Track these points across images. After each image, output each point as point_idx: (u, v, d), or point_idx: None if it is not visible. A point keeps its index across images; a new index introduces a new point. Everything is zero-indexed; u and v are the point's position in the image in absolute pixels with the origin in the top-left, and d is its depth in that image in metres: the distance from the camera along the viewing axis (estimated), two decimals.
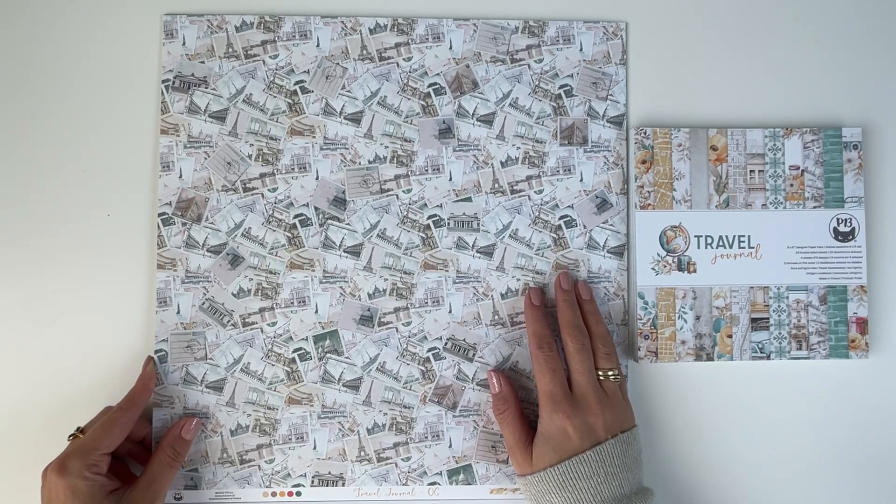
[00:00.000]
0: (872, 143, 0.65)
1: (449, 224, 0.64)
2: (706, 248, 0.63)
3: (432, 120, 0.64)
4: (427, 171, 0.64)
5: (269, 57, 0.64)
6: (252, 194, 0.63)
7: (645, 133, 0.63)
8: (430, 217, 0.64)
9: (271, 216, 0.63)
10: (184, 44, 0.64)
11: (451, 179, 0.64)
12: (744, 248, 0.63)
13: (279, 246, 0.63)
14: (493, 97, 0.64)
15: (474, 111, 0.64)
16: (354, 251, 0.63)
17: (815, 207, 0.63)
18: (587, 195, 0.64)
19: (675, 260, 0.63)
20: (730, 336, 0.63)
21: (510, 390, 0.61)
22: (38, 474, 0.56)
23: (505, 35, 0.64)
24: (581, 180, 0.64)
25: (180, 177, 0.63)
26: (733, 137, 0.63)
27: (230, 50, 0.64)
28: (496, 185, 0.64)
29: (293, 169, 0.63)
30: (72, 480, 0.54)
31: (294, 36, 0.64)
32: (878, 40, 0.65)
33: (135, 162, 0.64)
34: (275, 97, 0.64)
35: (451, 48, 0.64)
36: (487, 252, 0.64)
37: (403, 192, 0.64)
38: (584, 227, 0.64)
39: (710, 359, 0.63)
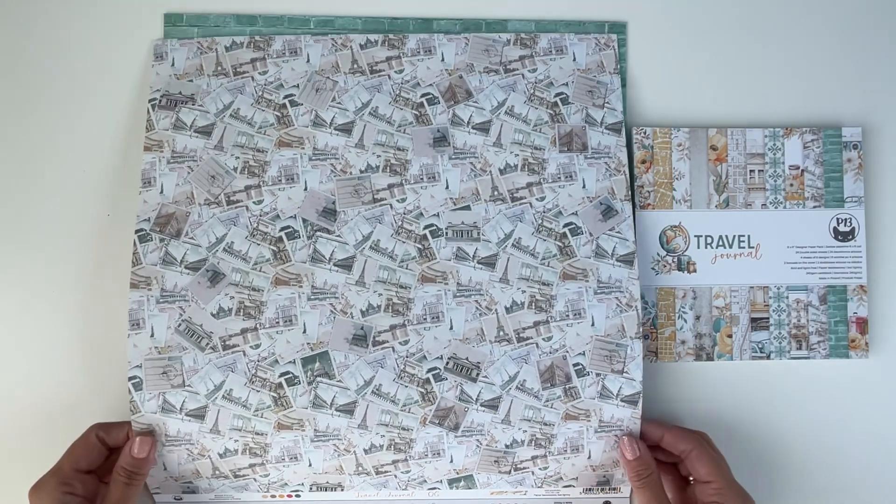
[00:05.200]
0: (872, 143, 0.65)
1: (447, 234, 0.60)
2: (706, 247, 0.62)
3: (426, 129, 0.62)
4: (422, 179, 0.61)
5: (259, 73, 0.62)
6: (236, 207, 0.60)
7: (645, 133, 0.62)
8: (426, 227, 0.60)
9: (256, 229, 0.59)
10: (173, 65, 0.62)
11: (447, 188, 0.61)
12: (744, 247, 0.62)
13: (263, 260, 0.59)
14: (488, 106, 0.63)
15: (469, 119, 0.62)
16: (345, 264, 0.59)
17: (814, 207, 0.62)
18: (591, 202, 0.62)
19: (675, 260, 0.62)
20: (730, 336, 0.62)
21: (649, 454, 0.57)
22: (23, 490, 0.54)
23: (497, 47, 0.64)
24: (584, 187, 0.62)
25: (161, 192, 0.60)
26: (733, 137, 0.63)
27: (219, 68, 0.62)
28: (495, 193, 0.61)
29: (280, 180, 0.60)
30: (44, 500, 0.53)
31: (284, 53, 0.63)
32: (877, 40, 0.67)
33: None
34: (263, 111, 0.62)
35: (443, 60, 0.63)
36: (489, 263, 0.60)
37: (397, 201, 0.61)
38: (591, 234, 0.61)
39: (710, 359, 0.62)
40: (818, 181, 0.63)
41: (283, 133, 0.61)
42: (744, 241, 0.62)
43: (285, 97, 0.62)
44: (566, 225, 0.61)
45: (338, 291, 0.59)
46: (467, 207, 0.61)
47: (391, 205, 0.61)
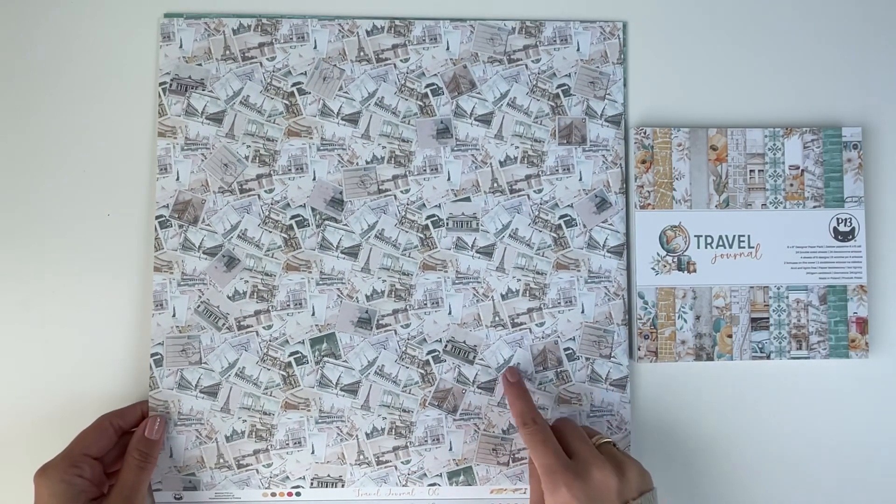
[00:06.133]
0: (872, 143, 0.65)
1: (448, 224, 0.63)
2: (706, 247, 0.62)
3: (430, 120, 0.63)
4: (425, 170, 0.63)
5: (267, 59, 0.64)
6: (248, 195, 0.63)
7: (645, 133, 0.62)
8: (428, 217, 0.63)
9: (267, 217, 0.63)
10: (181, 46, 0.64)
11: (449, 179, 0.63)
12: (744, 247, 0.62)
13: (275, 247, 0.63)
14: (490, 97, 0.63)
15: (472, 111, 0.63)
16: (352, 252, 0.63)
17: (814, 207, 0.63)
18: (586, 194, 0.63)
19: (675, 260, 0.62)
20: (730, 336, 0.62)
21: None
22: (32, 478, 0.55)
23: (502, 36, 0.64)
24: (580, 179, 0.63)
25: (177, 179, 0.63)
26: (733, 137, 0.62)
27: (227, 52, 0.63)
28: (495, 185, 0.63)
29: (290, 170, 0.63)
30: (52, 482, 0.54)
31: (291, 38, 0.64)
32: (877, 40, 0.65)
33: (132, 165, 0.64)
34: (272, 99, 0.63)
35: (448, 49, 0.64)
36: (487, 252, 0.63)
37: (401, 192, 0.63)
38: (584, 226, 0.63)
39: (710, 359, 0.62)
40: (818, 181, 0.62)
41: (291, 122, 0.63)
42: (744, 241, 0.62)
43: (293, 85, 0.63)
44: (561, 217, 0.63)
45: (344, 277, 0.63)
46: (467, 199, 0.63)
47: (395, 195, 0.63)
